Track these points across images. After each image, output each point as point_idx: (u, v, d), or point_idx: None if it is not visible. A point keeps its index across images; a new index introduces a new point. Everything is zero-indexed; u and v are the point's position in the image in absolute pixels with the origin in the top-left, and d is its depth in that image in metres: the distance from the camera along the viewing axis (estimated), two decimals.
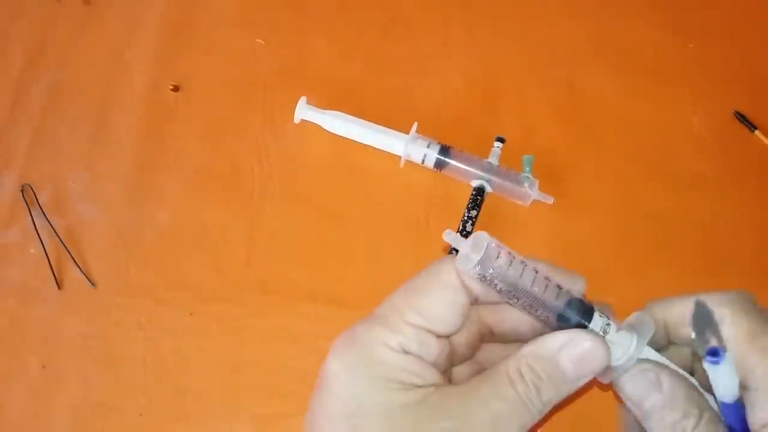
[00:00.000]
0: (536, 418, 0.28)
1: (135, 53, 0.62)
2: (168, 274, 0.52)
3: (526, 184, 0.56)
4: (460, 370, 0.34)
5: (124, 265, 0.52)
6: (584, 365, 0.29)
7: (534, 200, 0.56)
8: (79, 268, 0.51)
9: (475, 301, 0.31)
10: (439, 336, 0.30)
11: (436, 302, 0.30)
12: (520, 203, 0.57)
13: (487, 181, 0.56)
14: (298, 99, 0.58)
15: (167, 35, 0.63)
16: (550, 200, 0.56)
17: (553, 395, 0.28)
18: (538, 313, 0.30)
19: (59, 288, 0.51)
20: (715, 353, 0.27)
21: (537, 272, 0.30)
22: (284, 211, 0.55)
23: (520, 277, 0.30)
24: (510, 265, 0.29)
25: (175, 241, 0.54)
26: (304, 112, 0.58)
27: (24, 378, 0.48)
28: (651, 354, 0.31)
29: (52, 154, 0.57)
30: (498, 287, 0.29)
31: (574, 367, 0.29)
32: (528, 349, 0.29)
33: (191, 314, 0.51)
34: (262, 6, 0.66)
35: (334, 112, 0.58)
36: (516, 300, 0.30)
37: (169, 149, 0.58)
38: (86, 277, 0.51)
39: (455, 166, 0.56)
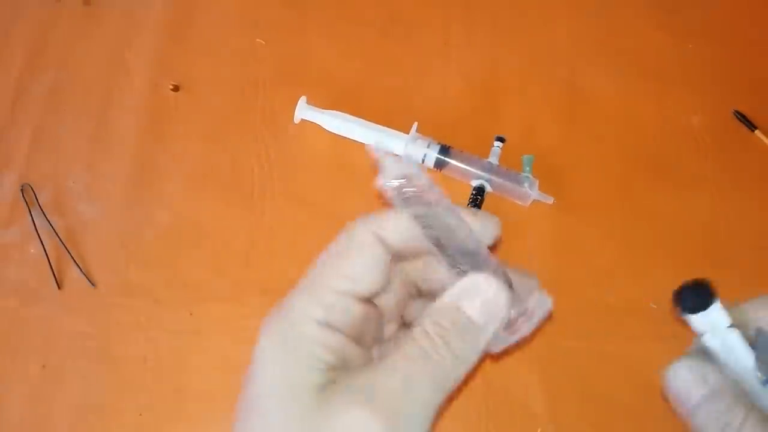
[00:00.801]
0: (455, 374, 0.27)
1: (135, 53, 0.62)
2: (168, 274, 0.52)
3: (526, 184, 0.56)
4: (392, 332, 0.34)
5: (124, 265, 0.52)
6: (488, 309, 0.28)
7: (534, 200, 0.56)
8: (79, 268, 0.51)
9: (396, 257, 0.31)
10: (364, 300, 0.30)
11: (357, 263, 0.29)
12: (520, 203, 0.57)
13: (487, 180, 0.56)
14: (298, 99, 0.58)
15: (167, 35, 0.63)
16: (550, 200, 0.56)
17: (464, 345, 0.27)
18: (449, 251, 0.30)
19: (59, 288, 0.51)
20: None
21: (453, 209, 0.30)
22: (284, 211, 0.55)
23: (439, 201, 0.29)
24: (430, 189, 0.30)
25: (175, 241, 0.54)
26: (304, 111, 0.58)
27: (24, 378, 0.48)
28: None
29: (52, 154, 0.57)
30: (415, 210, 0.29)
31: (479, 312, 0.28)
32: (432, 305, 0.29)
33: (191, 314, 0.51)
34: (262, 6, 0.66)
35: (334, 111, 0.58)
36: (430, 230, 0.30)
37: (169, 149, 0.58)
38: (86, 277, 0.51)
39: (455, 165, 0.56)
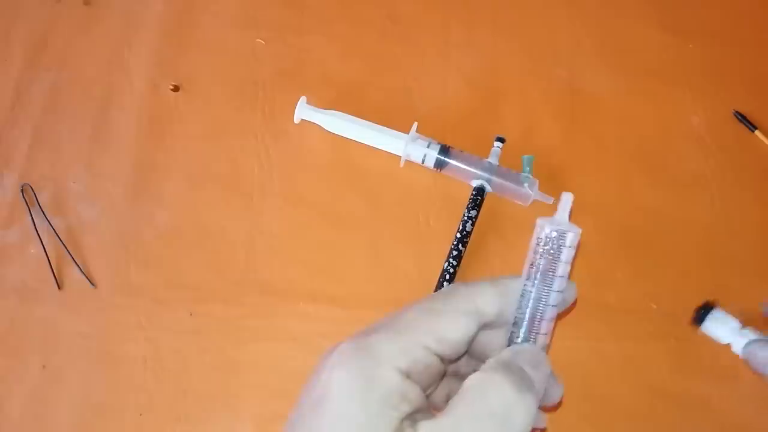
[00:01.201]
0: (524, 428, 0.28)
1: (135, 53, 0.62)
2: (168, 274, 0.52)
3: (526, 184, 0.56)
4: None
5: (124, 265, 0.52)
6: (541, 379, 0.30)
7: (534, 200, 0.56)
8: (79, 268, 0.51)
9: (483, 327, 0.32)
10: (443, 360, 0.31)
11: (453, 328, 0.30)
12: (520, 203, 0.57)
13: (487, 181, 0.56)
14: (298, 99, 0.58)
15: (167, 35, 0.63)
16: (550, 200, 0.56)
17: (532, 402, 0.29)
18: (522, 320, 0.32)
19: (59, 288, 0.51)
20: None
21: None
22: (284, 211, 0.55)
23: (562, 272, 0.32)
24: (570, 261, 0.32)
25: (175, 241, 0.54)
26: (304, 112, 0.58)
27: (24, 378, 0.48)
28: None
29: (52, 154, 0.57)
30: (550, 250, 0.31)
31: (536, 378, 0.30)
32: (493, 361, 0.30)
33: (191, 314, 0.51)
34: (262, 6, 0.66)
35: (334, 112, 0.58)
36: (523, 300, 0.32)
37: (169, 149, 0.58)
38: (86, 277, 0.51)
39: (455, 166, 0.56)
